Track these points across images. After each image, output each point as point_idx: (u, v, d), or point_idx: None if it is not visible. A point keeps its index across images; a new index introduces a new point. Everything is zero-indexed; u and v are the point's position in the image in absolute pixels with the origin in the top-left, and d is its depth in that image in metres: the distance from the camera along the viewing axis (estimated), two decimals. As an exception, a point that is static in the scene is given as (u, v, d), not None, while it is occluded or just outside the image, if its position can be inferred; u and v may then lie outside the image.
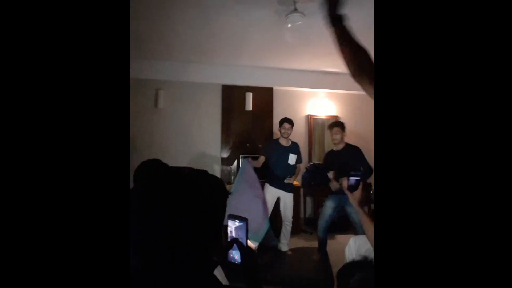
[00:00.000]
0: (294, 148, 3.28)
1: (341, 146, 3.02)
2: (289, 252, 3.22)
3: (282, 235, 3.23)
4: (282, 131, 3.17)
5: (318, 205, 4.37)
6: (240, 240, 0.81)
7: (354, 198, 1.24)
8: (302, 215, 4.44)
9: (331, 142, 3.18)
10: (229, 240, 0.82)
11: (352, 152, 2.97)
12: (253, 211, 2.76)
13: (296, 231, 4.03)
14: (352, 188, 1.24)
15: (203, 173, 0.65)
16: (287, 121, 3.20)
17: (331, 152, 3.16)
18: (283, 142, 3.21)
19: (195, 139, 4.28)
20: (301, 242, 3.75)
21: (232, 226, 0.85)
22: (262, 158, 3.12)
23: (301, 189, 4.29)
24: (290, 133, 3.22)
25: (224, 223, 0.75)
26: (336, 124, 3.08)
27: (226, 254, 0.82)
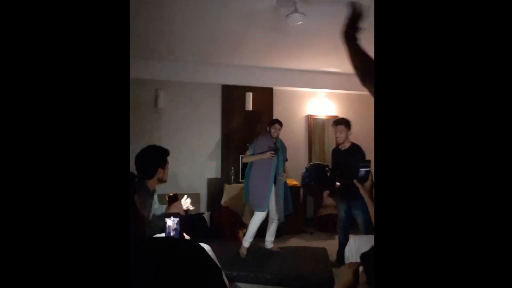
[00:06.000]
0: (280, 142, 3.26)
1: (347, 145, 2.92)
2: (276, 249, 3.21)
3: (267, 233, 3.23)
4: (273, 130, 3.19)
5: (318, 205, 4.36)
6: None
7: (364, 189, 1.26)
8: (302, 215, 4.44)
9: (331, 141, 3.14)
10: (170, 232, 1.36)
11: (356, 151, 2.88)
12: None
13: (296, 231, 4.03)
14: (362, 180, 1.26)
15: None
16: (278, 122, 3.22)
17: (337, 150, 3.05)
18: (273, 135, 3.22)
19: (195, 139, 4.28)
20: (301, 242, 3.75)
21: (170, 223, 1.33)
22: (270, 153, 3.07)
23: (301, 189, 4.29)
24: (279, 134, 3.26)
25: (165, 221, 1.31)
26: (341, 121, 2.96)
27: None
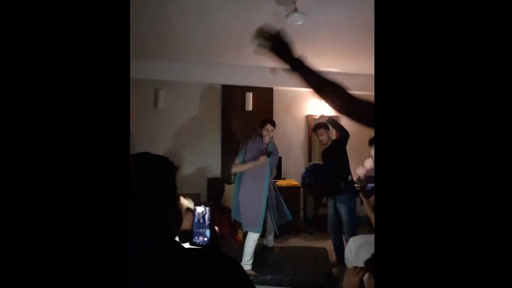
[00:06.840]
0: (272, 147, 3.00)
1: (329, 143, 3.17)
2: (276, 249, 3.19)
3: (267, 234, 3.17)
4: (265, 133, 2.87)
5: (318, 205, 4.36)
6: (208, 224, 1.00)
7: (369, 204, 1.30)
8: (302, 215, 4.44)
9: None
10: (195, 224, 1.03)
11: (335, 143, 3.13)
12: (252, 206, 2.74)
13: (296, 231, 4.03)
14: (368, 195, 1.29)
15: (147, 155, 0.75)
16: (270, 122, 2.92)
17: (324, 150, 3.29)
18: (265, 140, 2.93)
19: (195, 139, 4.28)
20: (301, 242, 3.75)
21: (200, 210, 1.09)
22: (264, 158, 2.75)
23: (301, 189, 4.29)
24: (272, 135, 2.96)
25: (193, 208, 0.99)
26: (319, 125, 3.17)
27: (192, 236, 0.97)
